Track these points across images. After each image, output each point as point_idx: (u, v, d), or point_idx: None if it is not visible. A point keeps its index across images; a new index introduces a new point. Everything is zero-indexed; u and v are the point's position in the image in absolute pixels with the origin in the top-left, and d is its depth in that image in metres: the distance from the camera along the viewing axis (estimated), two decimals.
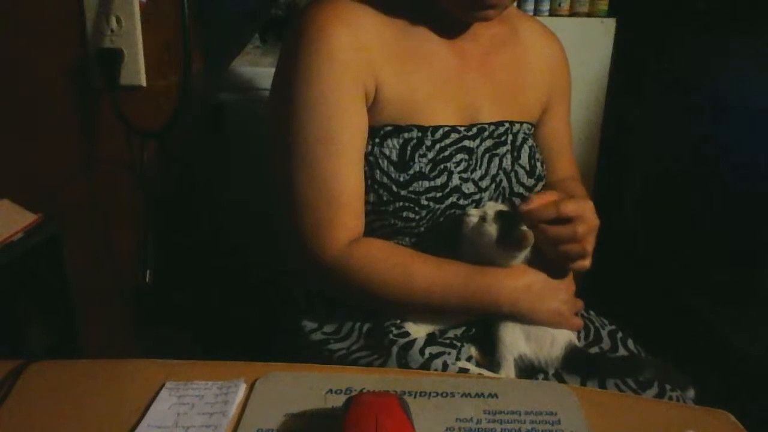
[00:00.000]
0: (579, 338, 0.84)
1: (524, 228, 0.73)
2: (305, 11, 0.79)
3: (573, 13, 1.68)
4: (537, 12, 1.66)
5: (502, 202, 0.83)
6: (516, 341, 0.77)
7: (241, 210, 1.32)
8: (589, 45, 1.65)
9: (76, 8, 1.08)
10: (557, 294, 0.79)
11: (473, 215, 0.77)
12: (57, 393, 0.62)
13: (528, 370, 0.77)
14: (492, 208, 0.77)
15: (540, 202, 0.75)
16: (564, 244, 0.75)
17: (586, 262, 0.77)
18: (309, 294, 0.88)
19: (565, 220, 0.74)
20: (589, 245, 0.76)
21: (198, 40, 1.16)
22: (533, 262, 0.78)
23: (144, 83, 1.12)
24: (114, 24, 1.08)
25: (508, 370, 0.76)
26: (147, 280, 1.14)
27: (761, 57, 1.62)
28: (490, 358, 0.78)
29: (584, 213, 0.75)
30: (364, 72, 0.78)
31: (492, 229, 0.75)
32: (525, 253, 0.77)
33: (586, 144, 1.72)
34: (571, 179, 0.98)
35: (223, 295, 1.30)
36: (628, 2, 1.71)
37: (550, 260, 0.78)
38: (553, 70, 0.94)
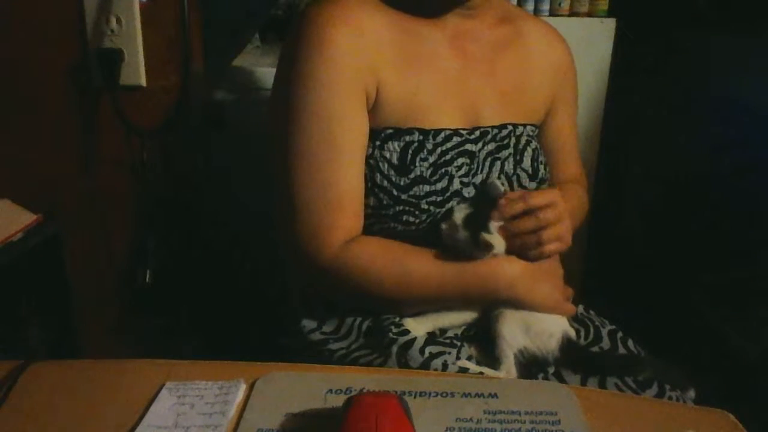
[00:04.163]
0: (579, 337, 0.84)
1: (485, 235, 0.75)
2: (305, 12, 0.79)
3: (573, 13, 1.68)
4: (537, 12, 1.66)
5: (470, 200, 0.82)
6: (515, 335, 0.78)
7: (241, 210, 1.32)
8: (589, 45, 1.65)
9: (76, 8, 1.08)
10: (549, 279, 0.81)
11: (444, 227, 0.77)
12: (57, 393, 0.62)
13: (529, 364, 0.78)
14: (459, 215, 0.77)
15: (509, 202, 0.77)
16: (534, 232, 0.77)
17: (563, 245, 0.80)
18: (308, 294, 0.88)
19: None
20: (564, 228, 0.79)
21: (198, 40, 1.16)
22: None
23: (144, 83, 1.12)
24: (114, 24, 1.08)
25: (509, 366, 0.77)
26: (147, 280, 1.14)
27: (761, 56, 1.62)
28: (490, 356, 0.78)
29: (552, 200, 0.78)
30: (365, 74, 0.78)
31: (463, 235, 0.76)
32: (502, 249, 0.77)
33: (586, 144, 1.72)
34: (574, 182, 0.98)
35: (222, 295, 1.30)
36: (628, 2, 1.71)
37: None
38: (558, 71, 0.93)
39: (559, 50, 0.94)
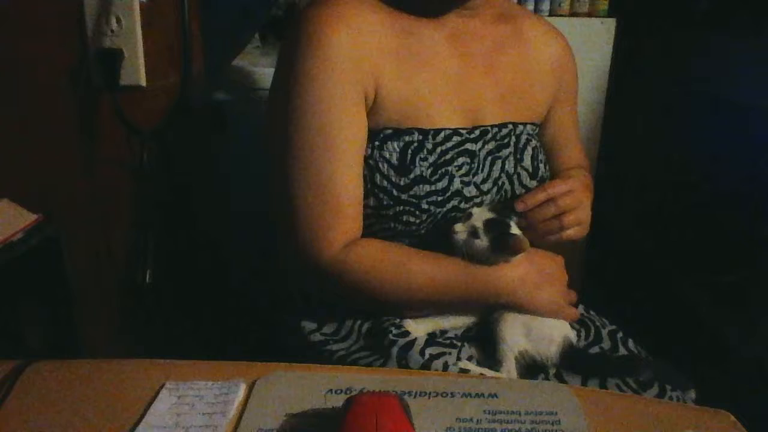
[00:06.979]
0: (579, 338, 0.84)
1: (517, 234, 0.75)
2: (304, 12, 0.79)
3: (573, 13, 1.68)
4: (537, 12, 1.66)
5: (488, 205, 0.82)
6: (516, 338, 0.77)
7: (241, 210, 1.32)
8: (589, 45, 1.65)
9: (76, 8, 1.08)
10: (552, 284, 0.81)
11: (460, 231, 0.77)
12: (57, 393, 0.62)
13: (529, 367, 0.77)
14: (479, 218, 0.77)
15: (532, 196, 0.80)
16: (556, 218, 0.79)
17: (583, 230, 0.82)
18: (308, 294, 0.88)
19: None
20: (584, 213, 0.82)
21: (198, 40, 1.16)
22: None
23: (144, 83, 1.12)
24: (114, 24, 1.08)
25: (510, 368, 0.76)
26: (147, 280, 1.14)
27: (761, 56, 1.62)
28: (490, 357, 0.78)
29: (571, 187, 0.81)
30: (364, 74, 0.77)
31: (484, 242, 0.76)
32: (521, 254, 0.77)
33: (586, 144, 1.72)
34: (578, 168, 0.98)
35: (222, 295, 1.30)
36: (628, 2, 1.71)
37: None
38: (559, 68, 0.93)
39: (559, 47, 0.94)
